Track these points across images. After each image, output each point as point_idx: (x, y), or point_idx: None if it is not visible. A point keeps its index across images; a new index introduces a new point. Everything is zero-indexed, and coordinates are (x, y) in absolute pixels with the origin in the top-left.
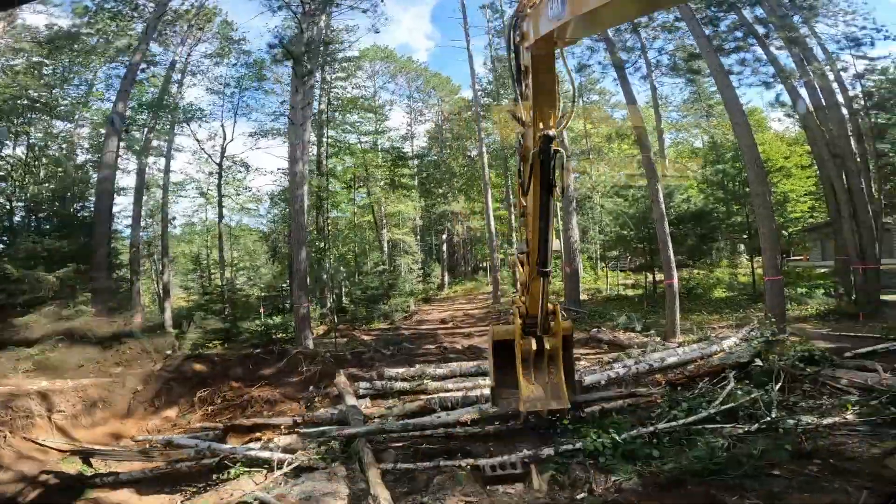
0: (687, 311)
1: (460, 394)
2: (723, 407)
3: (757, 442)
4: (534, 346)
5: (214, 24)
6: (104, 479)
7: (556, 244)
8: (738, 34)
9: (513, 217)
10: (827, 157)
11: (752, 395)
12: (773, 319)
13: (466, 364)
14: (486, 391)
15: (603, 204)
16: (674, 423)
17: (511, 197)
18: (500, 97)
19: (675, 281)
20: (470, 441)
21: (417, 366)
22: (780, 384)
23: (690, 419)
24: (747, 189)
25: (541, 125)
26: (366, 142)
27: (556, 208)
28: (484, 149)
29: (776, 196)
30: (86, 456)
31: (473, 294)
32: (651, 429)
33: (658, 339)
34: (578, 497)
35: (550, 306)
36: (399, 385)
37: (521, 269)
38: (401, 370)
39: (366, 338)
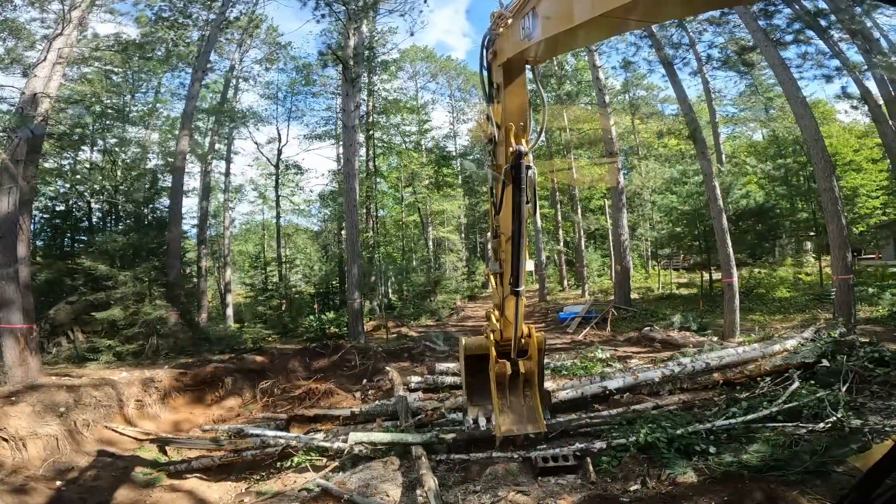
0: (747, 311)
1: None
2: (785, 406)
3: (821, 441)
4: (508, 370)
5: (262, 31)
6: (177, 466)
7: (529, 264)
8: (797, 26)
9: (559, 214)
10: None
11: (818, 395)
12: (841, 319)
13: None
14: None
15: (654, 201)
16: (732, 421)
17: (557, 194)
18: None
19: (735, 279)
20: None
21: None
22: (847, 385)
23: (750, 417)
24: (813, 184)
25: (513, 141)
26: (410, 142)
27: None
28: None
29: (845, 191)
30: (161, 444)
31: None
32: (708, 425)
33: (715, 338)
34: (631, 489)
35: (525, 328)
36: (449, 380)
37: (495, 290)
38: (451, 365)
39: (413, 334)
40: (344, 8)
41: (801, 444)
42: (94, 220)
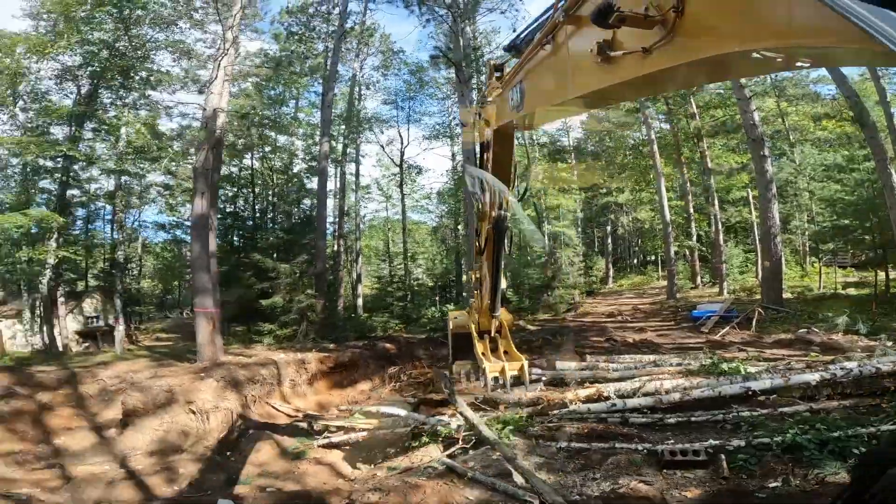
0: None
1: (637, 384)
2: None
3: None
4: (488, 343)
5: (377, 39)
6: (321, 442)
7: (504, 283)
8: None
9: (691, 206)
10: None
11: None
12: None
13: (646, 357)
14: (667, 384)
15: (812, 190)
16: None
17: (688, 185)
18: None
19: None
20: (646, 429)
21: (588, 357)
22: None
23: None
24: None
25: (494, 207)
26: (519, 136)
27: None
28: (653, 135)
29: None
30: (309, 421)
31: (642, 288)
32: (871, 429)
33: (890, 343)
34: (770, 485)
35: (496, 322)
36: (572, 373)
37: (476, 295)
38: (573, 365)
39: (531, 328)
40: (447, 11)
41: None
42: (255, 218)
